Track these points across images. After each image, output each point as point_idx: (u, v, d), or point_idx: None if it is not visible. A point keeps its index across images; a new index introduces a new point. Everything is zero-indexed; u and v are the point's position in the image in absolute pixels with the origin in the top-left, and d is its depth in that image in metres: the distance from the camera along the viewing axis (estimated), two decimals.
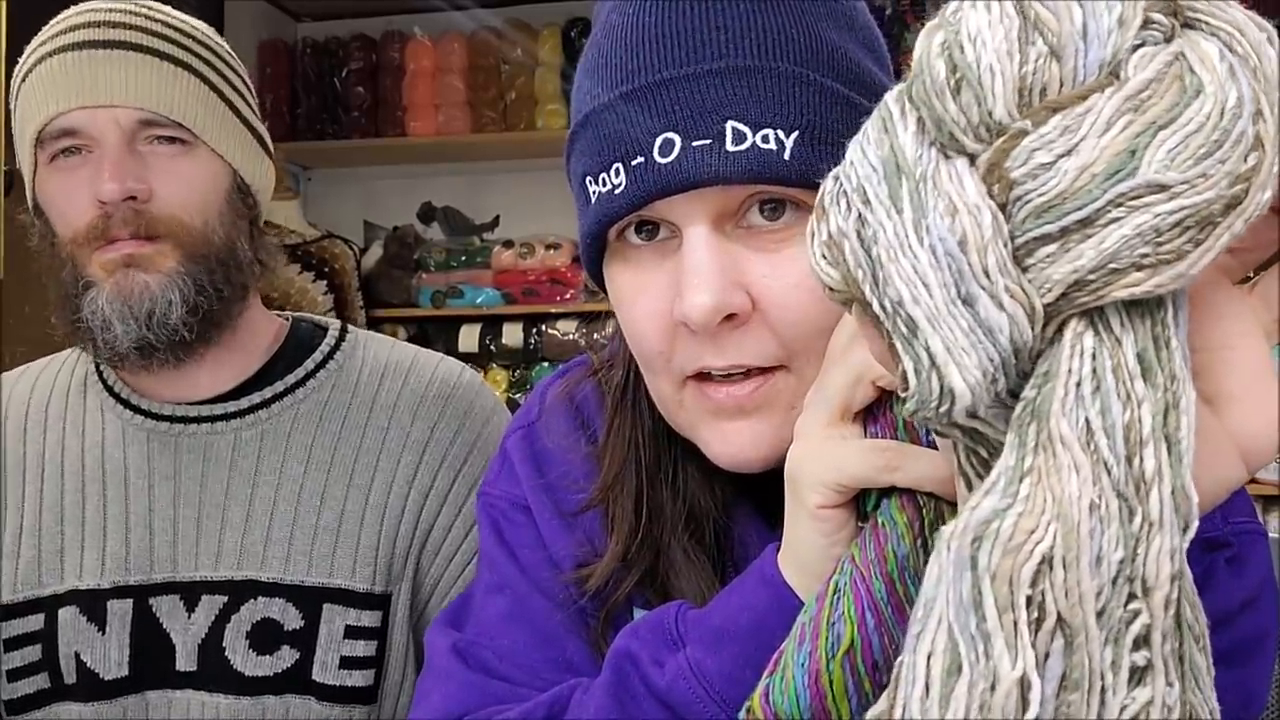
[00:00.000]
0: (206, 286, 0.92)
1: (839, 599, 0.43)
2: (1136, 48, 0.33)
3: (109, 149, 0.90)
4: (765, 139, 0.54)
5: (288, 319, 1.07)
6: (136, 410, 0.99)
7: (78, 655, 0.92)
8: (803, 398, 0.52)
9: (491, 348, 3.13)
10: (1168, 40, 0.33)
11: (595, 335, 3.09)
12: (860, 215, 0.36)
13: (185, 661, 0.93)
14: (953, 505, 0.41)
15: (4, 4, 1.88)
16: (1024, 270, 0.33)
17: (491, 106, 3.22)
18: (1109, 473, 0.32)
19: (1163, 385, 0.32)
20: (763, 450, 0.58)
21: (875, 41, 0.62)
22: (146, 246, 0.90)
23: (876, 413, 0.46)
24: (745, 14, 0.56)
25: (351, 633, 0.93)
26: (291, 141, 3.27)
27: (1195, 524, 0.32)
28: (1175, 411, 0.32)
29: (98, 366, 1.02)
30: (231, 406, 0.99)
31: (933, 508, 0.43)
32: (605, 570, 0.65)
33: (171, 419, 0.98)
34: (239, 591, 0.93)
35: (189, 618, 0.93)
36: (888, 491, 0.45)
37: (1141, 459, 0.32)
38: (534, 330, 3.15)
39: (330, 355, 1.03)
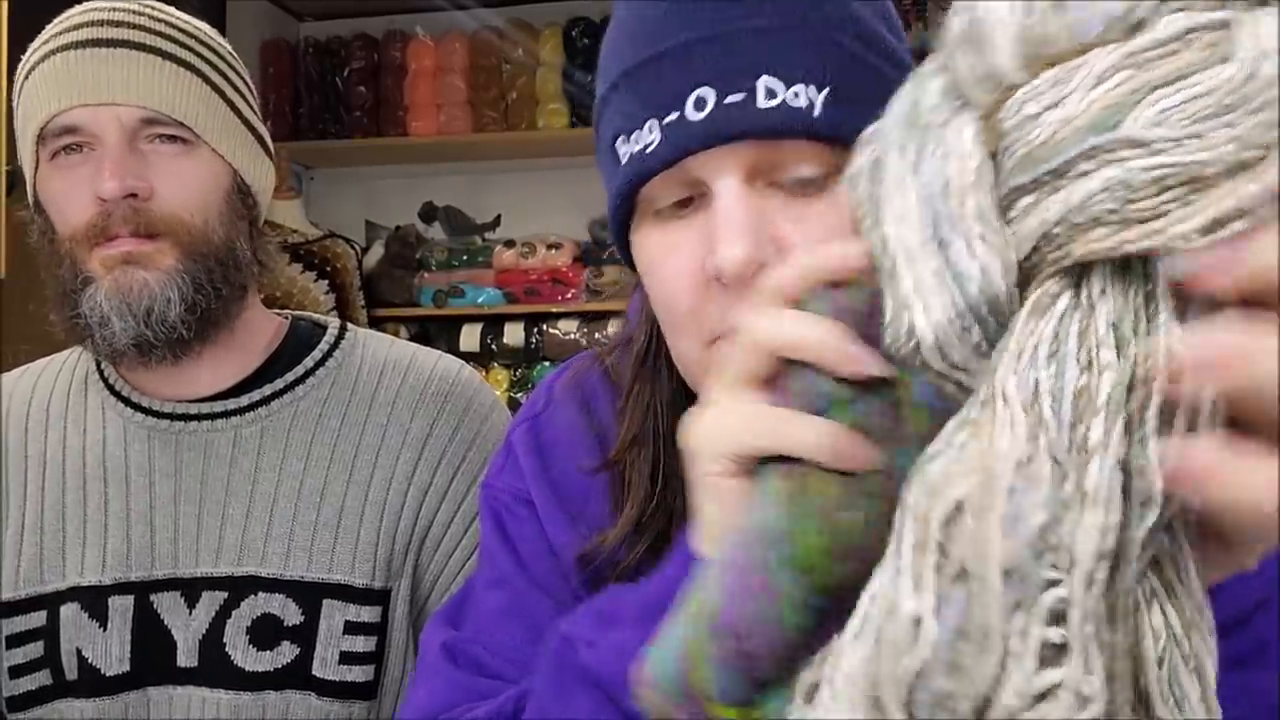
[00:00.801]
0: (205, 285, 0.92)
1: (710, 567, 0.41)
2: (1180, 10, 0.32)
3: (110, 147, 0.90)
4: (796, 95, 0.55)
5: (287, 318, 1.07)
6: (137, 408, 0.99)
7: (79, 651, 0.93)
8: None
9: (493, 347, 3.14)
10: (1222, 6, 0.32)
11: (597, 335, 3.10)
12: (877, 157, 0.37)
13: (186, 658, 0.93)
14: (835, 474, 0.39)
15: (4, 4, 1.88)
16: (1007, 223, 0.33)
17: (493, 106, 3.22)
18: (1046, 434, 0.31)
19: (1134, 359, 0.30)
20: None
21: (893, 18, 0.63)
22: (146, 244, 0.91)
23: (783, 384, 0.42)
24: None
25: (351, 628, 0.94)
26: (293, 141, 3.27)
27: (1157, 507, 0.30)
28: (1145, 387, 0.30)
29: (99, 365, 1.02)
30: (231, 404, 0.99)
31: (803, 475, 0.40)
32: (619, 534, 0.65)
33: (172, 416, 0.98)
34: (239, 587, 0.94)
35: (190, 614, 0.94)
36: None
37: (1088, 427, 0.30)
38: (535, 330, 3.15)
39: (329, 353, 1.03)
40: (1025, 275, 0.33)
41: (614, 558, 0.66)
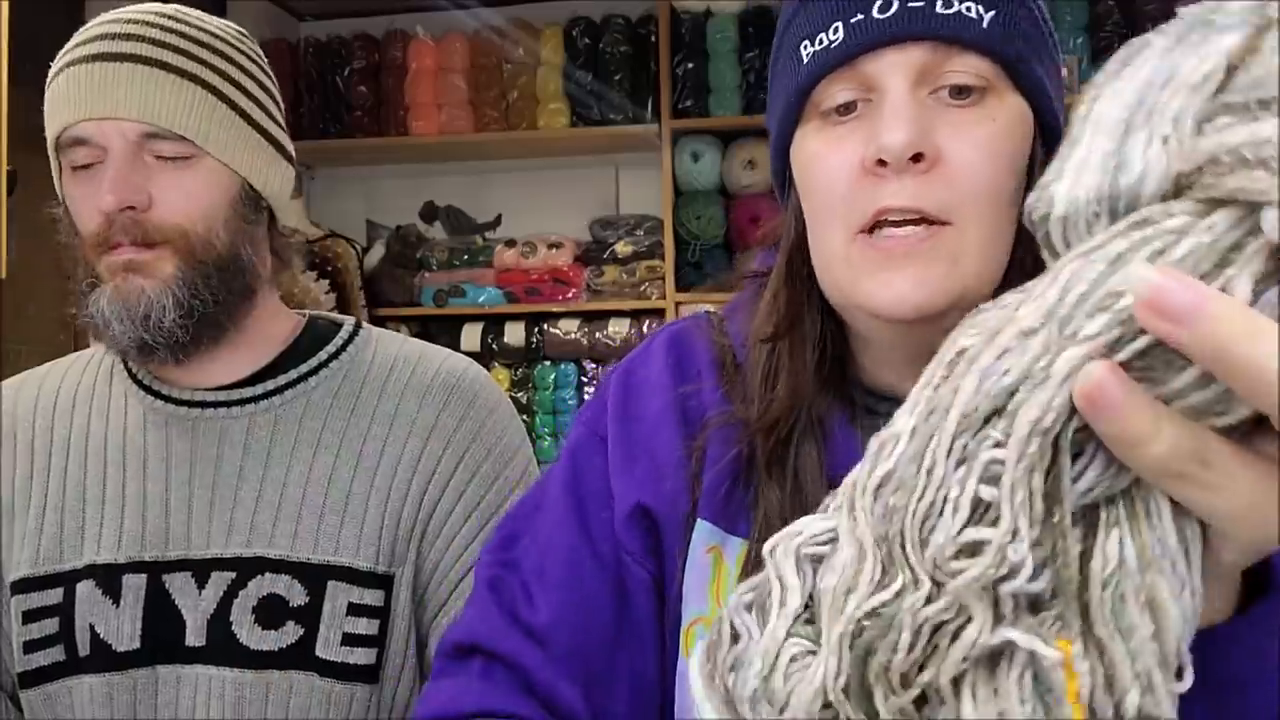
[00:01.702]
0: (202, 291, 0.96)
1: None
2: None
3: (112, 161, 0.94)
4: (968, 9, 0.63)
5: (304, 316, 1.12)
6: (157, 396, 1.03)
7: (92, 627, 0.96)
8: (965, 255, 0.62)
9: (494, 347, 3.14)
10: None
11: (598, 334, 3.10)
12: (1147, 40, 0.38)
13: (194, 637, 0.95)
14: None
15: (5, 4, 1.88)
16: (1200, 134, 0.33)
17: (494, 106, 3.22)
18: (1056, 317, 0.33)
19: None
20: (923, 294, 0.62)
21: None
22: (145, 253, 0.94)
23: None
24: None
25: (354, 610, 0.96)
26: (294, 140, 3.25)
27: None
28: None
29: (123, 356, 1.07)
30: (247, 392, 1.03)
31: None
32: (780, 408, 0.70)
33: (190, 404, 1.02)
34: (247, 568, 0.96)
35: (199, 594, 0.96)
36: None
37: (1086, 323, 0.33)
38: (536, 329, 3.15)
39: (343, 348, 1.07)
40: (1177, 190, 0.33)
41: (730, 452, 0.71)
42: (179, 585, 0.97)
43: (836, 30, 0.64)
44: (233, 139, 0.99)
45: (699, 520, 0.71)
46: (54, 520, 1.00)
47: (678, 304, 3.06)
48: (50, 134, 0.97)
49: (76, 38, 0.98)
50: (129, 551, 0.97)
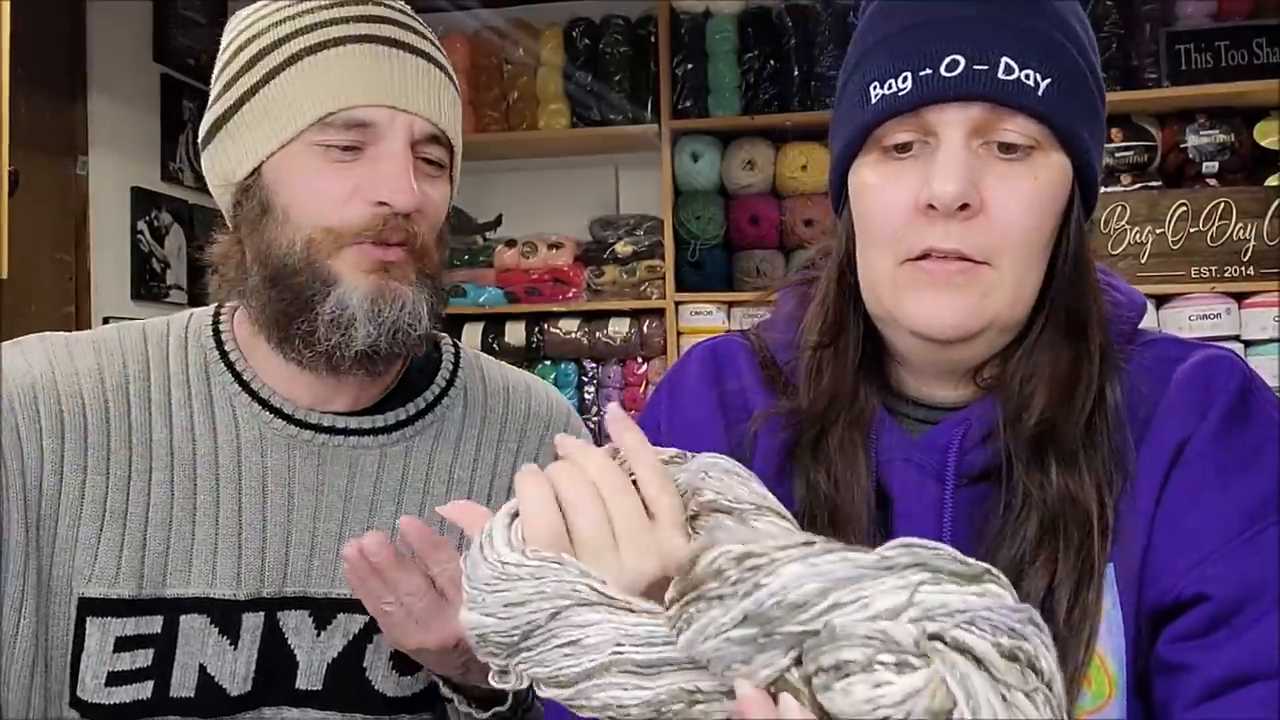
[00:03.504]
0: (436, 305, 0.91)
1: None
2: None
3: (399, 155, 0.87)
4: (1028, 76, 0.68)
5: None
6: (276, 413, 0.93)
7: (203, 668, 0.88)
8: (997, 290, 0.69)
9: (494, 346, 3.14)
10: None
11: (598, 334, 3.10)
12: None
13: (307, 680, 0.90)
14: None
15: (5, 4, 1.89)
16: None
17: (494, 106, 3.23)
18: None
19: None
20: (957, 317, 0.70)
21: (1093, 39, 0.76)
22: (405, 257, 0.88)
23: None
24: None
25: None
26: None
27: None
28: None
29: (223, 353, 0.95)
30: (379, 421, 0.96)
31: None
32: (822, 401, 0.76)
33: (317, 428, 0.93)
34: None
35: (318, 635, 0.91)
36: None
37: None
38: (536, 329, 3.15)
39: (454, 372, 1.03)
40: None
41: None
42: (294, 625, 0.90)
43: (905, 80, 0.70)
44: (459, 147, 0.96)
45: None
46: (159, 538, 0.88)
47: (678, 304, 3.07)
48: (316, 108, 0.86)
49: (335, 9, 0.89)
50: (249, 587, 0.89)
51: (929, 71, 0.69)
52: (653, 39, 3.14)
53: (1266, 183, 2.81)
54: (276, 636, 0.90)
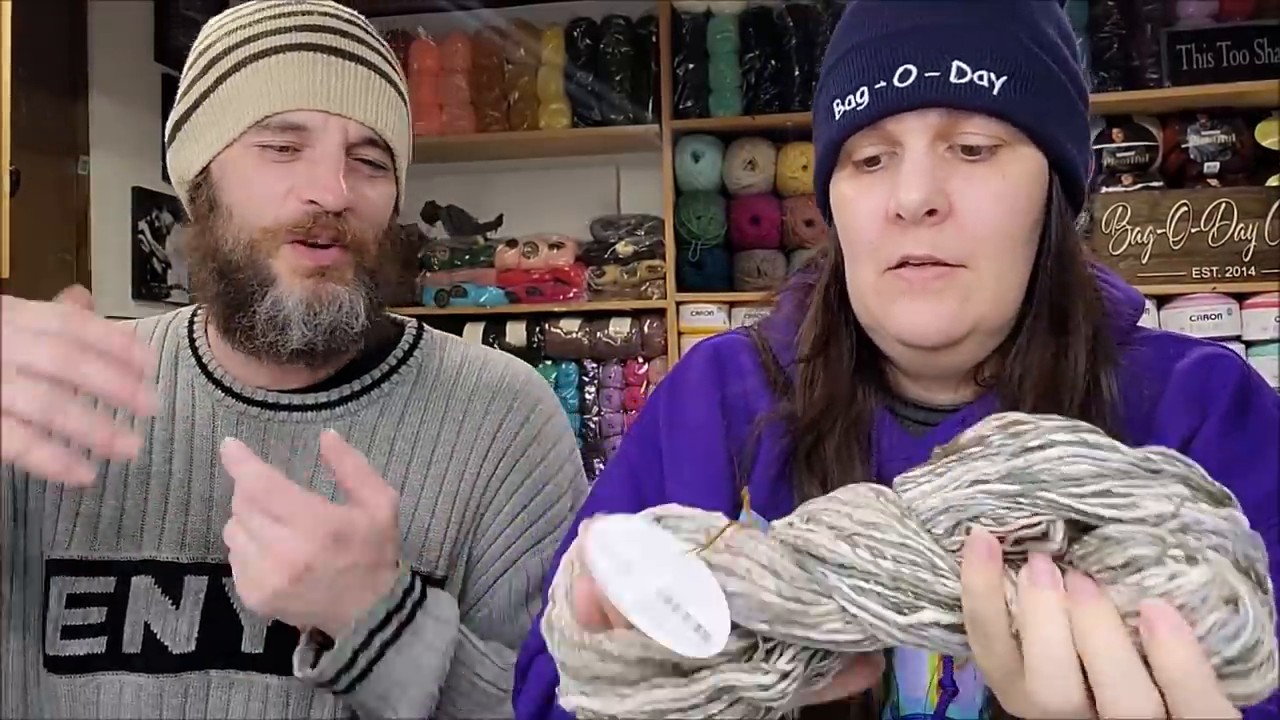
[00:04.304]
0: (373, 302, 0.96)
1: None
2: None
3: (331, 157, 0.92)
4: (981, 77, 0.69)
5: None
6: (228, 392, 1.01)
7: (148, 625, 0.94)
8: (977, 291, 0.70)
9: (495, 346, 3.13)
10: None
11: (599, 334, 3.10)
12: None
13: (251, 643, 0.94)
14: None
15: (6, 4, 1.89)
16: None
17: (495, 106, 3.23)
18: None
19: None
20: (940, 323, 0.71)
21: (1066, 27, 0.77)
22: (341, 257, 0.93)
23: None
24: None
25: None
26: None
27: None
28: None
29: (192, 341, 1.04)
30: (322, 397, 1.01)
31: None
32: (817, 409, 0.77)
33: (263, 405, 1.00)
34: None
35: None
36: None
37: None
38: (537, 329, 3.15)
39: (410, 351, 1.06)
40: None
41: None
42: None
43: (863, 94, 0.72)
44: (405, 155, 1.01)
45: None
46: (114, 505, 0.96)
47: (678, 303, 3.07)
48: (254, 111, 0.92)
49: (276, 19, 0.95)
50: (193, 551, 0.95)
51: (884, 84, 0.71)
52: (654, 39, 3.14)
53: (1268, 183, 2.80)
54: (221, 601, 0.95)
